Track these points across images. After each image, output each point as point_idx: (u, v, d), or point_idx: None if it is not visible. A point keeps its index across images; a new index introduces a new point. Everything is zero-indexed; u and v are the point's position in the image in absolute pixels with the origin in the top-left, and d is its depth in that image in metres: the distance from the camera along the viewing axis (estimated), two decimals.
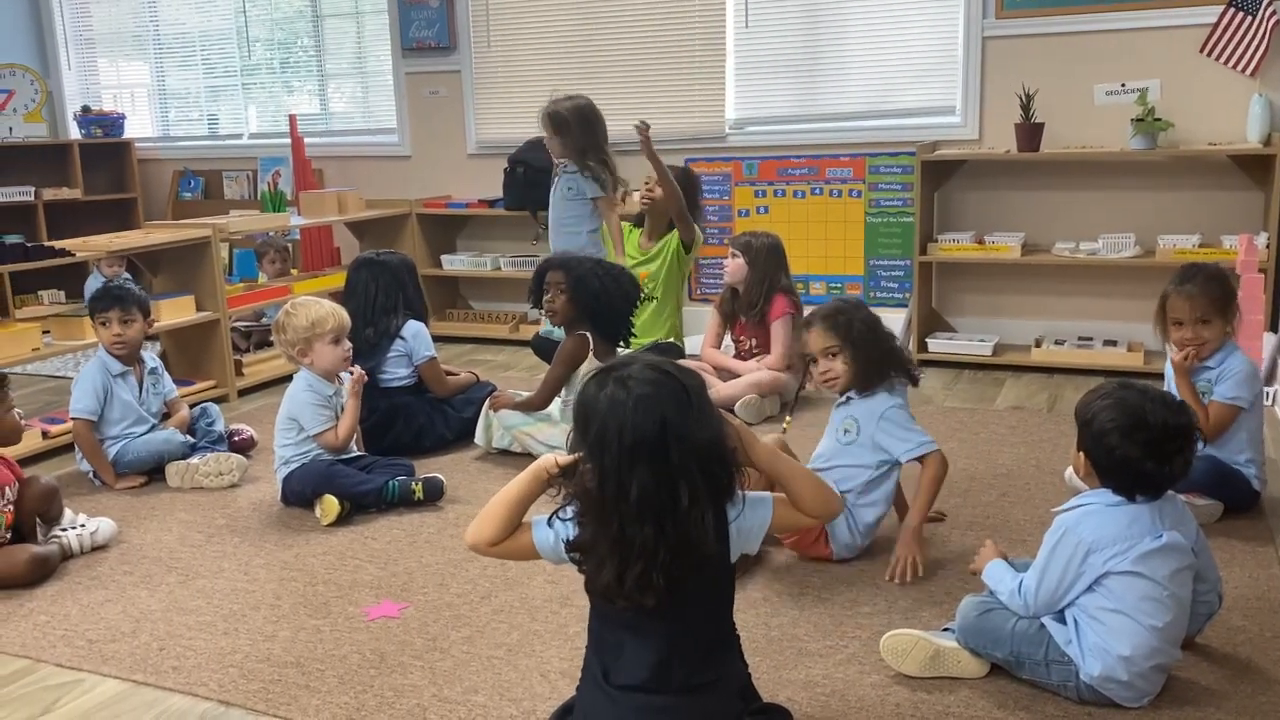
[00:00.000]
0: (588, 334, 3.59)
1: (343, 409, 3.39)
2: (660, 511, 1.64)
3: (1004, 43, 4.83)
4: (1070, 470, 3.22)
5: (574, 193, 4.33)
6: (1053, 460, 3.47)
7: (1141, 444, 1.98)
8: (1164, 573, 2.00)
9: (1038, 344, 4.76)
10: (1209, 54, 4.52)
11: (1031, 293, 4.96)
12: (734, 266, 4.23)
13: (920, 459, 2.70)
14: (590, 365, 3.57)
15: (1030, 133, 4.63)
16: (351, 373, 3.42)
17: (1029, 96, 4.60)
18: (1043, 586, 2.06)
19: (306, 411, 3.31)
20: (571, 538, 1.74)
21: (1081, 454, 2.09)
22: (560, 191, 4.36)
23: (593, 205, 4.39)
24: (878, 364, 2.72)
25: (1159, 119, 4.44)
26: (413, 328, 3.89)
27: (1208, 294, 2.92)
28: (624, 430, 1.63)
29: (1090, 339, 4.75)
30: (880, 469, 2.71)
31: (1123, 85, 4.61)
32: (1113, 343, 4.67)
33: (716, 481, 1.70)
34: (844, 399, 2.79)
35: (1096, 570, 2.01)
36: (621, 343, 3.67)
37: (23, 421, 3.04)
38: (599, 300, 3.56)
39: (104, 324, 3.60)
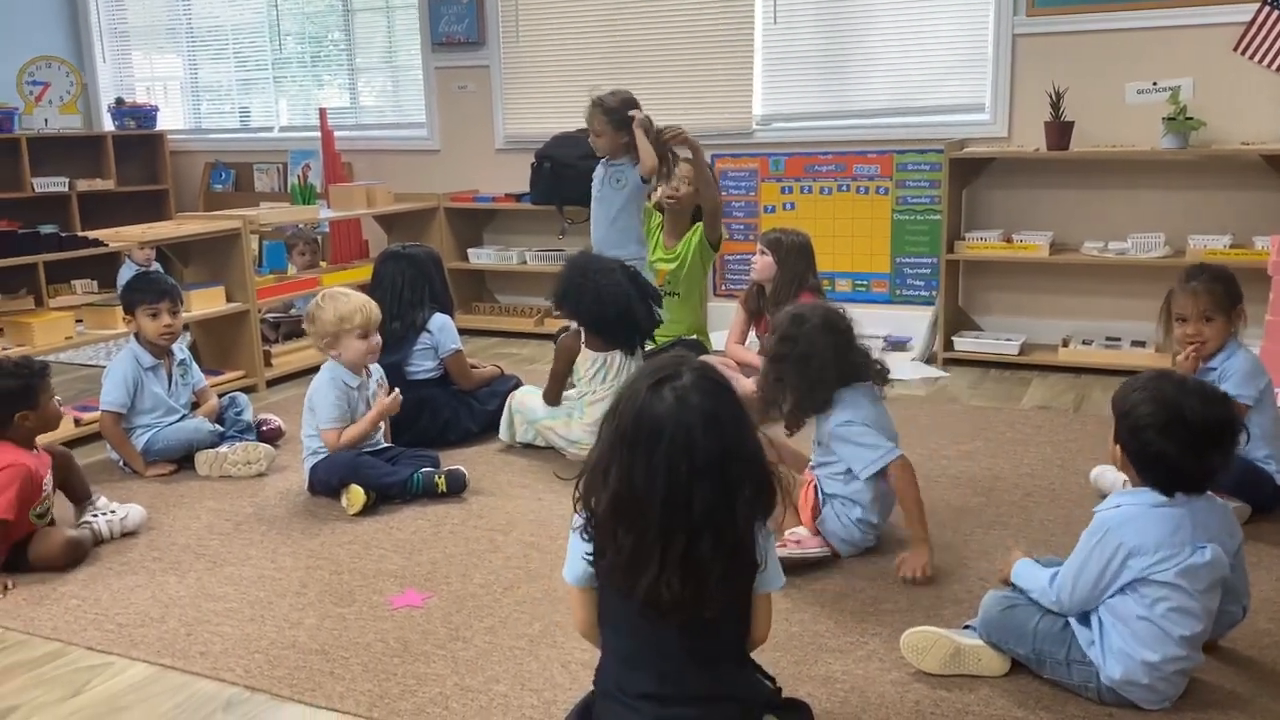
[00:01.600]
0: (579, 329, 3.63)
1: (369, 402, 3.42)
2: (721, 524, 1.66)
3: (1034, 40, 4.80)
4: (1096, 471, 3.21)
5: (622, 183, 4.25)
6: (1078, 461, 3.45)
7: (1179, 440, 1.96)
8: (1201, 586, 1.99)
9: (1065, 344, 4.73)
10: (1243, 53, 4.47)
11: (1059, 292, 4.93)
12: (763, 264, 4.21)
13: (884, 472, 2.68)
14: (585, 357, 3.60)
15: (1060, 131, 4.60)
16: (383, 384, 3.48)
17: (1059, 94, 4.57)
18: (1079, 584, 2.04)
19: (324, 404, 3.34)
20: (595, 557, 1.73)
21: (1118, 446, 2.08)
22: (608, 184, 4.23)
23: (635, 193, 4.27)
24: (810, 398, 2.72)
25: (1191, 118, 4.40)
26: (439, 321, 3.91)
27: (1212, 291, 2.97)
28: (694, 450, 1.64)
29: (1118, 339, 4.72)
30: (849, 474, 2.72)
31: (1154, 84, 4.57)
32: (1140, 343, 4.63)
33: (762, 494, 1.72)
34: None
35: (1134, 574, 1.99)
36: (637, 340, 3.66)
37: (62, 409, 3.09)
38: (580, 313, 3.58)
39: (154, 315, 3.65)
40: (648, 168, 4.08)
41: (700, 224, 4.58)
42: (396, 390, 3.47)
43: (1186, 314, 3.00)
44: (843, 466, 2.73)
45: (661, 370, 1.71)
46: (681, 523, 1.64)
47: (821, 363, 2.71)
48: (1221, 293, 2.97)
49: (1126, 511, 2.04)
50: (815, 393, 2.73)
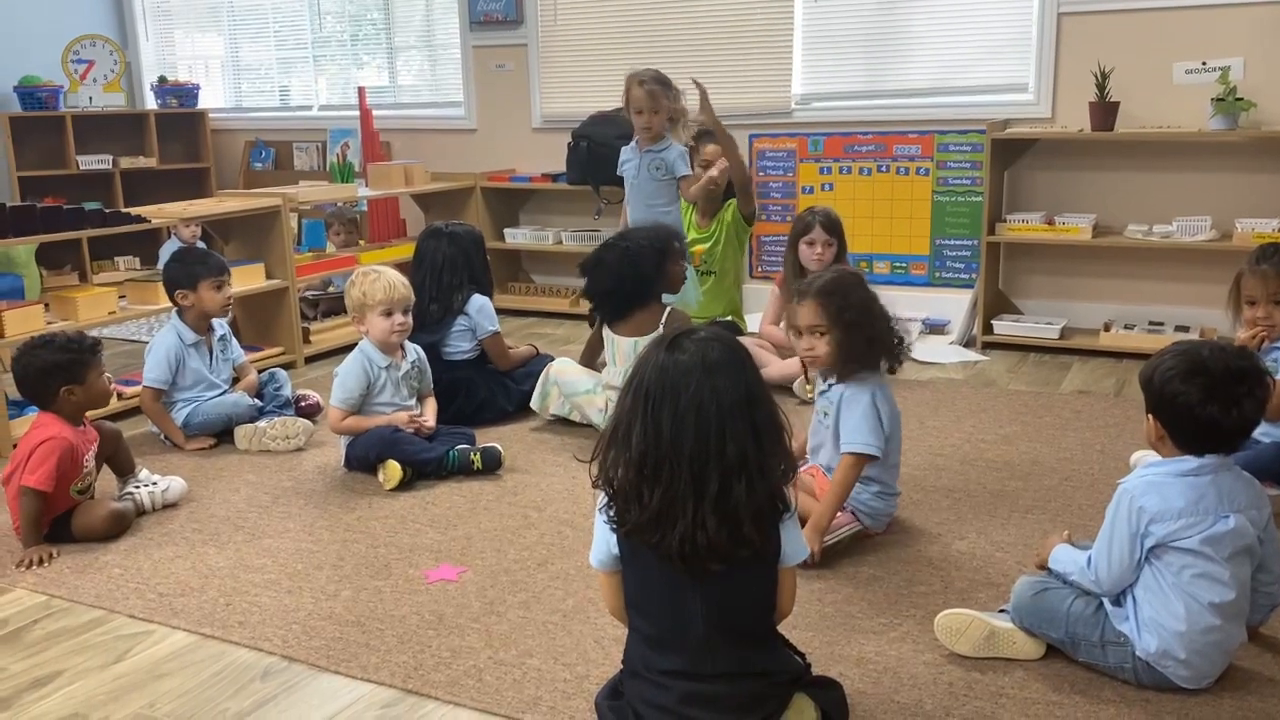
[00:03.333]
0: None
1: (399, 383, 3.44)
2: (752, 467, 1.69)
3: (1080, 19, 4.71)
4: (1136, 455, 3.17)
5: (662, 171, 4.18)
6: (1118, 446, 3.41)
7: (1203, 388, 1.95)
8: (1225, 553, 1.98)
9: (1107, 328, 4.66)
10: None
11: (1102, 275, 4.86)
12: (830, 255, 4.12)
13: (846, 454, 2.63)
14: (607, 335, 3.64)
15: (1105, 112, 4.52)
16: (420, 365, 3.52)
17: (1104, 74, 4.48)
18: (1114, 557, 2.02)
19: (339, 382, 3.37)
20: (619, 519, 1.75)
21: (1150, 416, 2.06)
22: (646, 170, 4.20)
23: (676, 182, 4.25)
24: (860, 351, 2.65)
25: (1241, 99, 4.30)
26: (476, 303, 3.92)
27: None
28: (720, 392, 1.69)
29: (1161, 324, 4.64)
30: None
31: (1203, 64, 4.47)
32: (1185, 328, 4.56)
33: (782, 447, 1.75)
34: (825, 385, 2.75)
35: (1156, 539, 1.98)
36: (618, 311, 3.66)
37: (111, 385, 3.12)
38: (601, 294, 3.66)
39: (219, 287, 3.72)
40: (692, 198, 4.25)
41: (732, 200, 4.56)
42: (418, 415, 3.45)
43: (1256, 297, 2.94)
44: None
45: (674, 333, 1.78)
46: (715, 466, 1.68)
47: (879, 319, 2.68)
48: None
49: (1149, 480, 2.03)
50: (867, 348, 2.66)
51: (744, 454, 1.69)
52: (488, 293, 4.02)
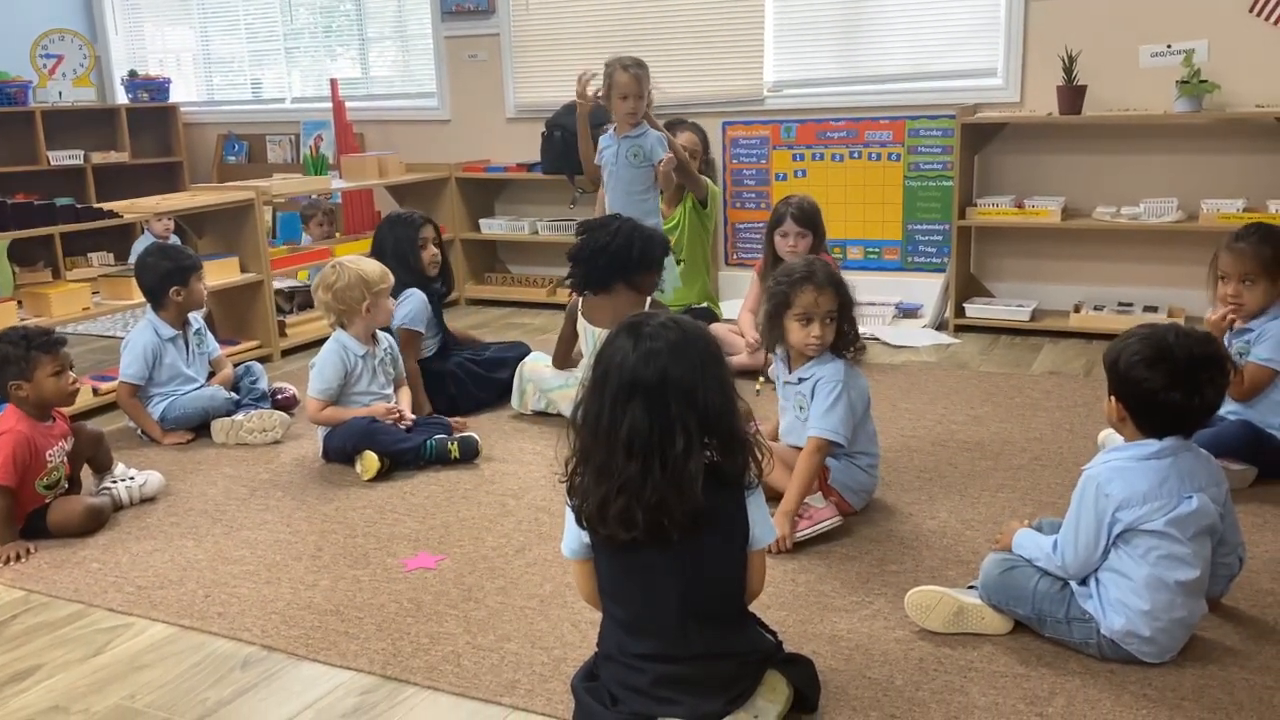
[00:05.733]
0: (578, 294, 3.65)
1: (376, 370, 3.46)
2: (649, 452, 1.71)
3: (1048, 3, 4.75)
4: (1104, 434, 3.22)
5: (640, 158, 4.18)
6: (1087, 425, 3.46)
7: (1165, 373, 1.99)
8: (1189, 533, 2.01)
9: (1076, 309, 4.72)
10: (1258, 14, 4.42)
11: (1071, 258, 4.91)
12: (804, 246, 4.14)
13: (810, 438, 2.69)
14: (583, 327, 3.60)
15: (1072, 95, 4.57)
16: (393, 353, 3.55)
17: (1072, 58, 4.53)
18: (1080, 544, 2.06)
19: (317, 374, 3.38)
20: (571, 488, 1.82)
21: (1112, 398, 2.09)
22: (624, 158, 4.18)
23: (654, 168, 4.23)
24: (844, 334, 2.76)
25: (1205, 81, 4.35)
26: (404, 294, 3.75)
27: (1258, 254, 2.93)
28: (624, 370, 1.73)
29: (1130, 304, 4.70)
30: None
31: (1168, 47, 4.52)
32: (1153, 308, 4.62)
33: (727, 450, 1.77)
34: (793, 377, 2.79)
35: (1124, 525, 2.01)
36: (597, 285, 3.57)
37: (77, 384, 3.10)
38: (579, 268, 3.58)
39: (201, 280, 3.79)
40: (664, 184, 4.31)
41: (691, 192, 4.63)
42: (396, 408, 3.43)
43: (1228, 273, 2.97)
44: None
45: (634, 318, 1.81)
46: (607, 441, 1.73)
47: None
48: (1269, 255, 2.92)
49: (1113, 466, 2.06)
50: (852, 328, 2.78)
51: (639, 435, 1.71)
52: (423, 283, 3.85)
